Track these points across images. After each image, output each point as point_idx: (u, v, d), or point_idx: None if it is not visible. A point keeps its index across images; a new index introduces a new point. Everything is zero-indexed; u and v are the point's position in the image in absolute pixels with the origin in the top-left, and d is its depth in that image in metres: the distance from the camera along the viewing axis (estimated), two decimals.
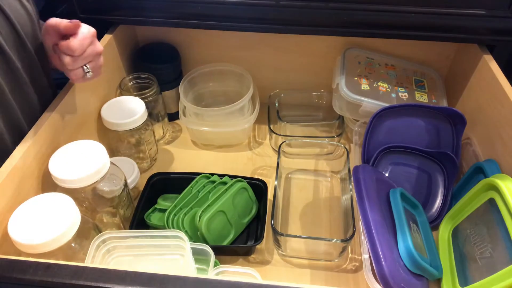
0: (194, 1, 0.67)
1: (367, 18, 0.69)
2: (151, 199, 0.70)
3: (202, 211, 0.63)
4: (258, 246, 0.66)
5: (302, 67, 0.87)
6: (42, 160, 0.55)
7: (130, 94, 0.74)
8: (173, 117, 0.88)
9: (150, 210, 0.69)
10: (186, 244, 0.53)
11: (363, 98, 0.74)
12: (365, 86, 0.77)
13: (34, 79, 0.58)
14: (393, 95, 0.77)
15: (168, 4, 0.69)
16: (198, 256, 0.58)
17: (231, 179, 0.70)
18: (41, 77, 0.59)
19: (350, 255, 0.66)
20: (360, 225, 0.59)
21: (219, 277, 0.44)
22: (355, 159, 0.73)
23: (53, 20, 0.54)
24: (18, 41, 0.54)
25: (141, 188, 0.72)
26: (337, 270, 0.64)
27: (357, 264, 0.65)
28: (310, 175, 0.80)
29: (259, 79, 0.86)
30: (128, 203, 0.65)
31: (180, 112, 0.81)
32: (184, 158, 0.83)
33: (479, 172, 0.65)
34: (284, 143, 0.77)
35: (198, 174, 0.71)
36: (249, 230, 0.69)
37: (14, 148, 0.52)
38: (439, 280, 0.61)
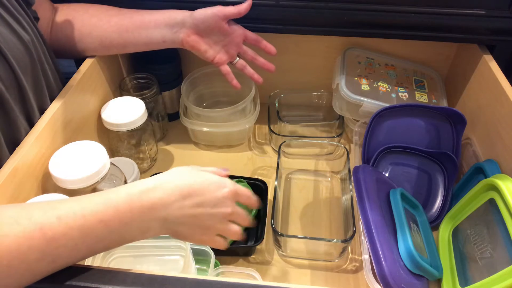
0: (194, 1, 0.67)
1: (367, 18, 0.69)
2: None
3: None
4: (258, 247, 0.66)
5: (302, 67, 0.87)
6: (42, 161, 0.55)
7: (130, 95, 0.74)
8: (173, 117, 0.88)
9: None
10: (186, 245, 0.54)
11: (363, 98, 0.74)
12: (365, 86, 0.77)
13: (27, 114, 0.55)
14: (393, 95, 0.77)
15: (168, 5, 0.69)
16: (199, 256, 0.59)
17: (231, 179, 0.69)
18: (34, 112, 0.56)
19: (350, 255, 0.66)
20: (360, 226, 0.59)
21: (220, 278, 0.44)
22: (355, 159, 0.73)
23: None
24: (14, 79, 0.52)
25: None
26: (337, 270, 0.64)
27: (357, 264, 0.65)
28: (310, 175, 0.80)
29: None
30: None
31: (181, 112, 0.81)
32: (184, 159, 0.83)
33: (479, 172, 0.65)
34: (284, 143, 0.77)
35: None
36: (249, 231, 0.69)
37: None
38: (439, 280, 0.61)
